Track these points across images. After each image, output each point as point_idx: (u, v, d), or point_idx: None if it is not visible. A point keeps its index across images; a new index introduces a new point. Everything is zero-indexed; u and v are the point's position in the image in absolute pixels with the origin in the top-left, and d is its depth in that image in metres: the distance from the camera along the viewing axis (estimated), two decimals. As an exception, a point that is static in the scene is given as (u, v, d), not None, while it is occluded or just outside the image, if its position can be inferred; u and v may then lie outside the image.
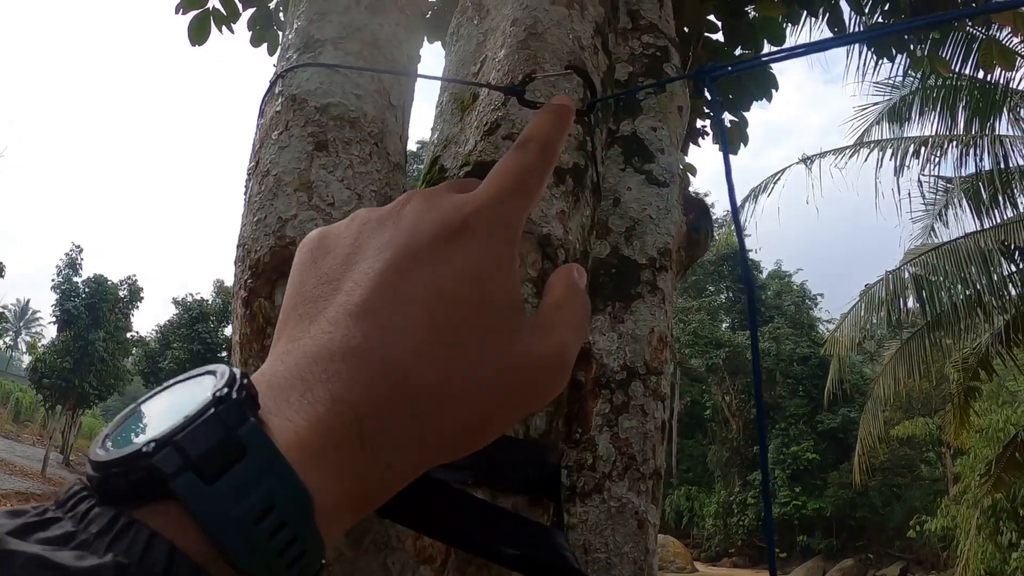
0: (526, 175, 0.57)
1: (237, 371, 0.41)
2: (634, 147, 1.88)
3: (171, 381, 0.44)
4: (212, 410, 0.38)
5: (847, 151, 12.83)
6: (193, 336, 34.97)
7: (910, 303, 12.34)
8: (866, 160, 12.58)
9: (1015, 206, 11.45)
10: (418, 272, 0.49)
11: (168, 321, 37.03)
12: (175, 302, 37.00)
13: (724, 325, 40.00)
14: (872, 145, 12.52)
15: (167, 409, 0.40)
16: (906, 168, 12.04)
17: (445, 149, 1.36)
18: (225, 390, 0.39)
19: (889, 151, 12.24)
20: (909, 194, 13.19)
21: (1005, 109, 11.33)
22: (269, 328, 1.03)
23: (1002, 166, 11.26)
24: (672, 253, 1.80)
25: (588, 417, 1.60)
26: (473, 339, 0.49)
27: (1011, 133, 11.85)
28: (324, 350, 0.46)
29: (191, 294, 42.15)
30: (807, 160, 13.35)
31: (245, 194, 1.21)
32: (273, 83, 1.25)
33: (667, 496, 41.04)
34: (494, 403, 0.50)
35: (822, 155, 13.23)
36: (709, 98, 0.84)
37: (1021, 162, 11.62)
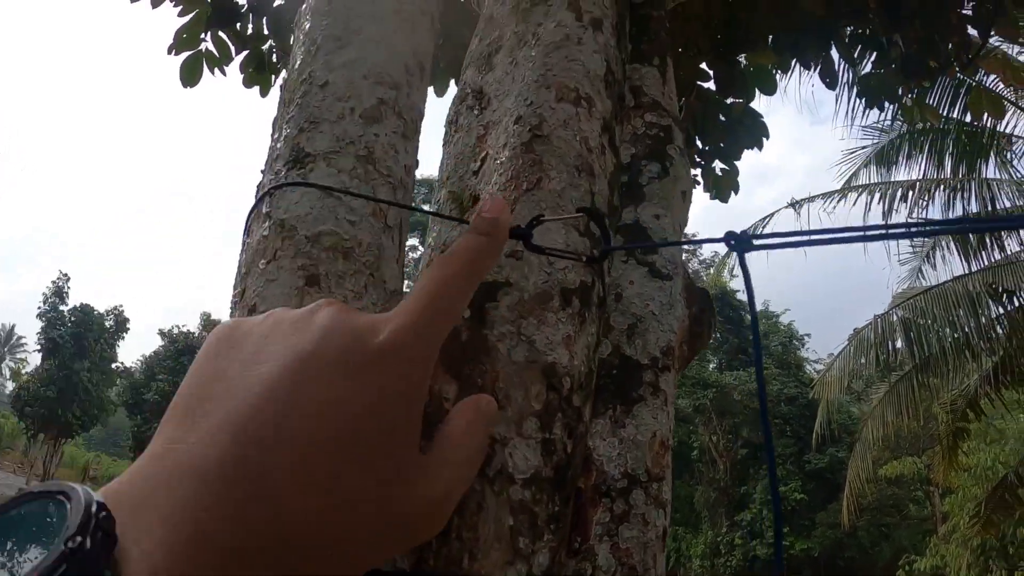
0: (450, 299, 0.53)
1: (93, 499, 0.37)
2: (638, 236, 1.80)
3: (24, 497, 0.40)
4: (64, 567, 0.34)
5: (835, 195, 12.91)
6: (179, 368, 34.73)
7: (898, 345, 12.34)
8: (854, 204, 12.68)
9: (1002, 249, 11.51)
10: (313, 390, 0.45)
11: (154, 352, 36.89)
12: (161, 333, 36.90)
13: (711, 365, 39.94)
14: (860, 189, 12.59)
15: (17, 548, 0.37)
16: (894, 212, 12.13)
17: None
18: (78, 539, 0.35)
19: (877, 195, 12.32)
20: (897, 240, 13.15)
21: (992, 152, 11.41)
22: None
23: (989, 209, 11.32)
24: (675, 351, 1.73)
25: (588, 526, 1.50)
26: (358, 475, 0.45)
27: (998, 176, 11.95)
28: (198, 468, 0.42)
29: (178, 326, 41.94)
30: (796, 204, 13.43)
31: (233, 312, 1.13)
32: (260, 200, 1.16)
33: (659, 539, 40.75)
34: (367, 547, 0.46)
35: (810, 199, 13.31)
36: (740, 268, 0.79)
37: (1008, 205, 11.69)
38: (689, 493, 41.53)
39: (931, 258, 12.68)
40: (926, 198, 11.99)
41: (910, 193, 12.04)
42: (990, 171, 11.78)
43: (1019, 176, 11.85)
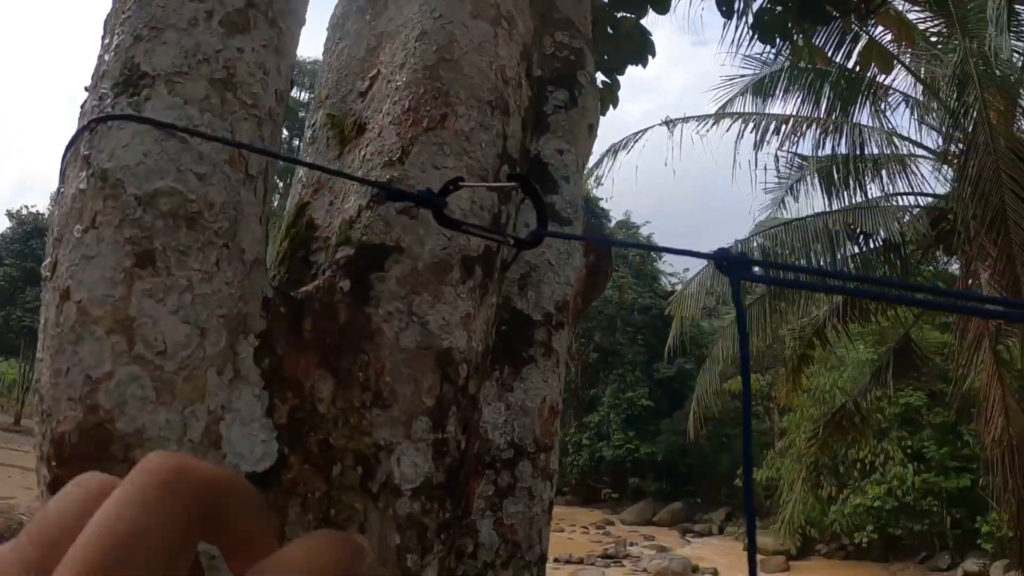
0: None
1: None
2: (537, 173, 1.55)
3: None
4: None
5: (710, 119, 12.98)
6: (27, 252, 32.59)
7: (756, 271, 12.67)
8: (727, 130, 12.79)
9: (864, 193, 11.91)
10: None
11: (0, 235, 34.43)
12: (9, 214, 34.45)
13: (568, 268, 40.57)
14: (735, 116, 12.70)
15: None
16: (765, 143, 12.31)
17: (317, 195, 1.06)
18: None
19: (751, 124, 12.46)
20: (765, 167, 13.50)
21: (868, 100, 11.66)
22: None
23: (858, 153, 11.63)
24: (570, 305, 1.56)
25: (470, 500, 1.37)
26: None
27: (870, 124, 12.25)
28: None
29: (27, 206, 39.05)
30: (670, 123, 13.44)
31: (45, 293, 0.83)
32: (78, 135, 0.83)
33: (503, 436, 41.82)
34: None
35: (685, 120, 13.34)
36: (732, 296, 0.65)
37: (875, 151, 12.05)
38: (541, 395, 42.65)
39: (795, 190, 13.02)
40: (798, 133, 12.23)
41: (783, 127, 12.24)
42: (863, 118, 12.10)
43: (889, 126, 12.23)
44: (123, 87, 0.84)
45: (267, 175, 0.89)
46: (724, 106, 13.16)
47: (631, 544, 28.01)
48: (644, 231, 43.46)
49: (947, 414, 22.96)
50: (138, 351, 0.74)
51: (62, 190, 0.85)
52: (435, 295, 0.93)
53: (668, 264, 47.33)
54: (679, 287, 17.65)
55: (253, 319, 0.80)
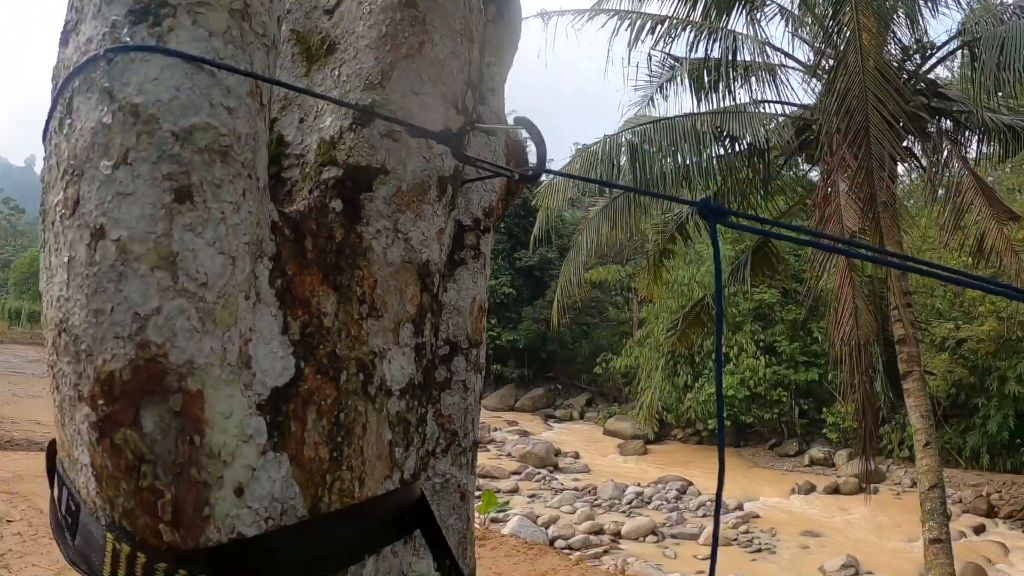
0: None
1: None
2: None
3: None
4: None
5: (586, 13, 12.93)
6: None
7: (623, 165, 12.82)
8: (603, 26, 12.78)
9: (733, 98, 12.23)
10: None
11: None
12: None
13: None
14: (611, 13, 12.69)
15: None
16: (640, 41, 12.37)
17: (285, 112, 1.09)
18: None
19: (627, 22, 12.48)
20: (637, 65, 13.62)
21: (745, 9, 11.84)
22: (144, 466, 0.76)
23: (730, 58, 11.86)
24: (496, 210, 1.66)
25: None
26: None
27: (744, 31, 12.48)
28: None
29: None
30: (545, 15, 13.33)
31: (46, 232, 0.84)
32: (90, 64, 0.81)
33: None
34: None
35: (561, 13, 13.26)
36: (710, 238, 0.71)
37: (748, 58, 12.31)
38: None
39: (664, 90, 13.20)
40: (672, 35, 12.33)
41: (658, 27, 12.33)
42: (738, 25, 12.32)
43: (763, 36, 12.49)
44: (140, 15, 0.82)
45: (271, 102, 0.93)
46: (600, 1, 13.14)
47: (495, 429, 28.74)
48: (511, 120, 43.22)
49: (798, 311, 24.49)
50: (183, 285, 0.77)
51: (70, 121, 0.83)
52: (416, 213, 1.00)
53: (532, 154, 46.96)
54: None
55: (267, 243, 0.84)
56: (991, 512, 18.95)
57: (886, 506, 19.58)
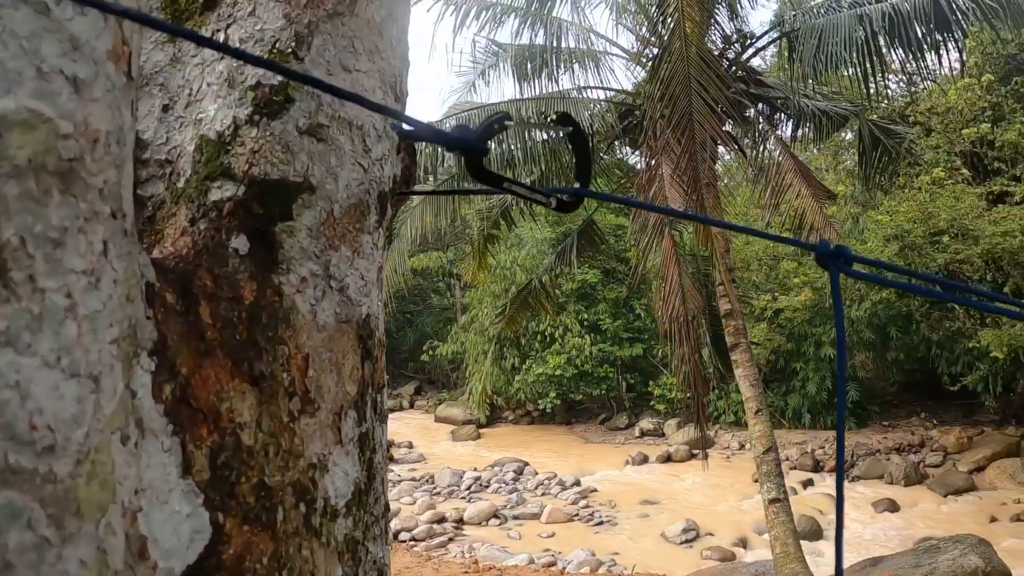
0: None
1: None
2: None
3: None
4: None
5: (411, -2, 12.54)
6: None
7: (447, 153, 12.62)
8: (428, 10, 12.50)
9: (557, 83, 12.23)
10: None
11: None
12: None
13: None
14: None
15: None
16: (465, 27, 12.16)
17: (139, 93, 0.74)
18: None
19: (452, 7, 12.25)
20: (461, 51, 13.40)
21: (567, -5, 11.88)
22: None
23: (555, 45, 11.82)
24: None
25: None
26: None
27: (569, 18, 12.51)
28: None
29: None
30: (368, 0, 12.83)
31: None
32: None
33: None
34: None
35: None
36: (832, 289, 0.50)
37: (572, 46, 12.34)
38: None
39: (487, 76, 13.06)
40: (496, 21, 12.18)
41: (483, 13, 12.15)
42: (564, 12, 12.34)
43: (587, 24, 12.56)
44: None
45: (139, 74, 0.55)
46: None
47: (323, 425, 28.06)
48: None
49: (620, 290, 25.14)
50: (9, 461, 0.38)
51: None
52: (353, 248, 0.68)
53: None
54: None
55: (142, 327, 0.48)
56: (817, 467, 20.22)
57: (716, 470, 20.46)
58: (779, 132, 11.84)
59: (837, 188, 21.13)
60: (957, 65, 12.40)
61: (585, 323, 26.10)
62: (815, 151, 25.21)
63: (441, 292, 36.46)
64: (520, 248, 26.49)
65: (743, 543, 15.10)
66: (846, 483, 19.32)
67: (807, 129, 12.32)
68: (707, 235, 9.54)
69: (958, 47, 10.34)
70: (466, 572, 7.48)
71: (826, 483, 19.41)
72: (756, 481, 12.62)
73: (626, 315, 25.93)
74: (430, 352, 31.20)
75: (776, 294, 21.92)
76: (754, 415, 10.32)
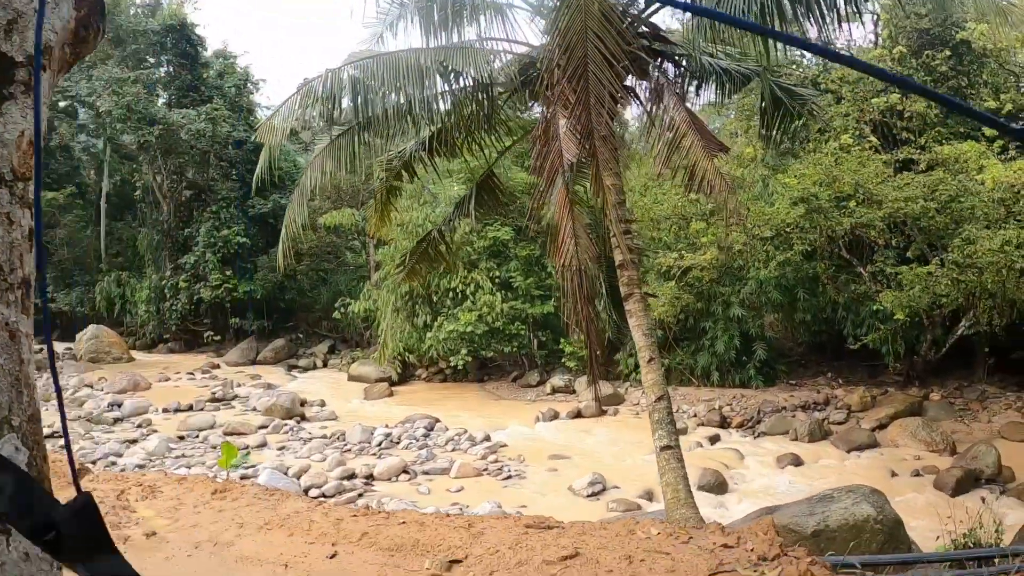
0: None
1: None
2: None
3: None
4: None
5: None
6: None
7: (346, 102, 12.42)
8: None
9: (460, 35, 12.09)
10: None
11: None
12: None
13: (161, 101, 37.39)
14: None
15: None
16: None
17: None
18: None
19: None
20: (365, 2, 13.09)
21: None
22: None
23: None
24: (55, 51, 1.65)
25: None
26: None
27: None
28: None
29: None
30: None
31: None
32: None
33: (97, 283, 38.87)
34: None
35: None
36: None
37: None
38: (132, 236, 39.94)
39: (394, 28, 12.85)
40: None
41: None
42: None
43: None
44: None
45: None
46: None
47: (238, 385, 27.89)
48: (242, 61, 41.11)
49: (532, 248, 25.34)
50: None
51: None
52: None
53: (267, 98, 45.47)
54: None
55: None
56: (724, 423, 20.84)
57: (625, 426, 20.97)
58: (677, 88, 11.98)
59: (746, 151, 21.59)
60: (872, 36, 12.72)
61: (497, 280, 26.25)
62: (730, 115, 25.66)
63: (355, 250, 36.26)
64: (435, 206, 26.45)
65: (648, 495, 15.52)
66: (751, 438, 19.91)
67: (710, 88, 12.51)
68: (599, 186, 9.65)
69: (873, 19, 10.55)
70: (354, 516, 7.51)
71: (732, 438, 20.03)
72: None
73: (538, 273, 26.16)
74: (342, 310, 31.05)
75: (683, 253, 22.34)
76: (647, 363, 10.56)
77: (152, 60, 38.46)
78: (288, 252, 14.15)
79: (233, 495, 8.10)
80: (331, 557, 6.43)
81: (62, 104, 39.94)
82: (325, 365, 33.07)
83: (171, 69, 38.17)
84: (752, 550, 5.93)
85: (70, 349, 34.34)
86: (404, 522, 7.36)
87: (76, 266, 40.97)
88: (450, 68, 11.88)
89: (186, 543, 6.69)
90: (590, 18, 9.11)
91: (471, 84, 12.05)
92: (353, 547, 6.62)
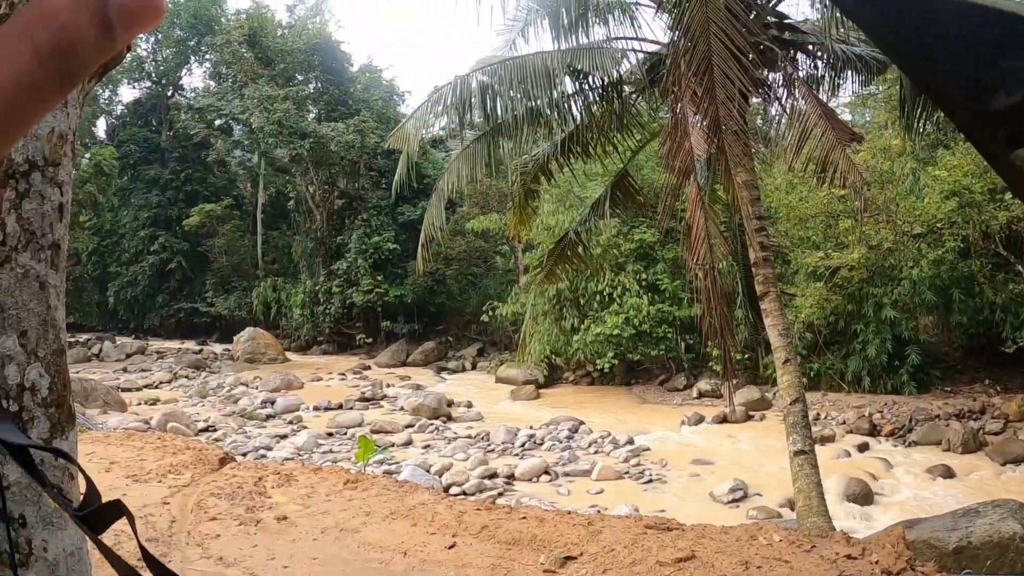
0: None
1: None
2: None
3: None
4: None
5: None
6: None
7: (476, 108, 12.60)
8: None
9: (588, 36, 12.06)
10: None
11: None
12: None
13: (311, 115, 39.22)
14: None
15: None
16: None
17: None
18: None
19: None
20: (492, 8, 13.35)
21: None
22: None
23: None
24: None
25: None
26: None
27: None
28: None
29: None
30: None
31: None
32: None
33: (254, 288, 41.00)
34: None
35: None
36: None
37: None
38: (287, 244, 41.88)
39: (525, 33, 12.98)
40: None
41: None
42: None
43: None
44: None
45: None
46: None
47: (388, 386, 28.62)
48: (387, 75, 42.60)
49: (678, 249, 24.93)
50: None
51: None
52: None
53: (408, 107, 46.82)
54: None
55: None
56: (874, 431, 19.88)
57: (770, 431, 20.28)
58: (805, 77, 11.57)
59: (893, 143, 20.50)
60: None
61: (644, 283, 26.01)
62: (876, 106, 24.42)
63: (504, 254, 36.68)
64: (579, 209, 26.43)
65: (790, 504, 14.95)
66: (901, 447, 18.94)
67: (846, 77, 12.02)
68: (730, 182, 9.47)
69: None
70: (477, 510, 7.66)
71: (882, 447, 19.12)
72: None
73: (685, 275, 25.72)
74: (490, 312, 31.50)
75: (829, 252, 21.39)
76: (783, 364, 10.23)
77: (301, 77, 40.27)
78: (427, 255, 14.48)
79: (364, 485, 8.44)
80: (449, 547, 6.58)
81: (217, 123, 42.29)
82: (474, 368, 33.57)
83: (319, 85, 39.93)
84: (877, 563, 5.70)
85: (228, 350, 36.42)
86: (524, 517, 7.44)
87: (234, 272, 43.30)
88: (579, 69, 11.89)
89: (314, 528, 7.00)
90: (713, 11, 8.95)
91: (599, 84, 12.03)
92: (472, 539, 6.75)
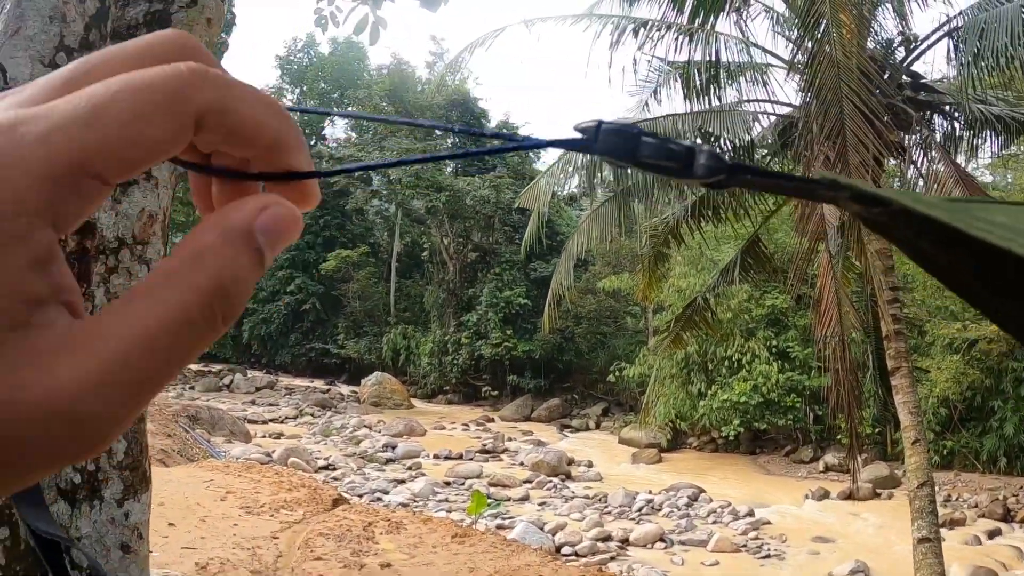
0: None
1: None
2: None
3: None
4: None
5: (570, 19, 12.87)
6: None
7: (607, 168, 12.69)
8: (585, 30, 12.70)
9: (719, 99, 12.04)
10: None
11: None
12: None
13: (448, 169, 40.41)
14: (594, 18, 12.59)
15: None
16: (620, 44, 12.26)
17: None
18: None
19: (610, 26, 12.38)
20: (623, 69, 13.52)
21: (729, 8, 11.67)
22: None
23: (713, 60, 11.69)
24: None
25: (90, 275, 1.97)
26: None
27: (727, 31, 12.33)
28: None
29: None
30: (529, 23, 13.35)
31: None
32: None
33: (384, 334, 42.03)
34: None
35: (544, 19, 13.26)
36: None
37: (731, 59, 12.13)
38: (419, 292, 42.84)
39: (658, 95, 13.08)
40: (656, 36, 12.16)
41: (641, 30, 12.19)
42: (722, 25, 12.13)
43: (745, 36, 12.27)
44: None
45: None
46: (591, 8, 13.05)
47: (509, 439, 28.59)
48: (523, 132, 43.35)
49: (810, 316, 24.15)
50: None
51: None
52: None
53: (544, 164, 47.31)
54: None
55: None
56: (1007, 516, 18.59)
57: (897, 511, 19.18)
58: (942, 138, 11.16)
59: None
60: None
61: (774, 350, 25.31)
62: (1018, 167, 23.19)
63: (635, 315, 36.39)
64: (710, 271, 26.05)
65: (912, 590, 14.14)
66: (1015, 529, 17.59)
67: (985, 137, 11.52)
68: (862, 251, 9.17)
69: None
70: (585, 576, 7.57)
71: (1015, 534, 17.81)
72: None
73: (816, 343, 24.85)
74: (617, 373, 31.20)
75: (967, 323, 20.27)
76: (911, 445, 9.75)
77: (439, 133, 41.56)
78: (555, 314, 14.59)
79: (471, 541, 8.47)
80: (548, 611, 6.50)
81: (357, 173, 43.94)
82: (598, 427, 33.17)
83: (457, 140, 41.09)
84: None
85: (354, 392, 37.39)
86: (630, 585, 7.27)
87: (367, 317, 44.44)
88: (709, 132, 11.84)
89: (416, 578, 7.05)
90: (845, 72, 8.78)
91: (729, 147, 11.92)
92: (573, 604, 6.66)
